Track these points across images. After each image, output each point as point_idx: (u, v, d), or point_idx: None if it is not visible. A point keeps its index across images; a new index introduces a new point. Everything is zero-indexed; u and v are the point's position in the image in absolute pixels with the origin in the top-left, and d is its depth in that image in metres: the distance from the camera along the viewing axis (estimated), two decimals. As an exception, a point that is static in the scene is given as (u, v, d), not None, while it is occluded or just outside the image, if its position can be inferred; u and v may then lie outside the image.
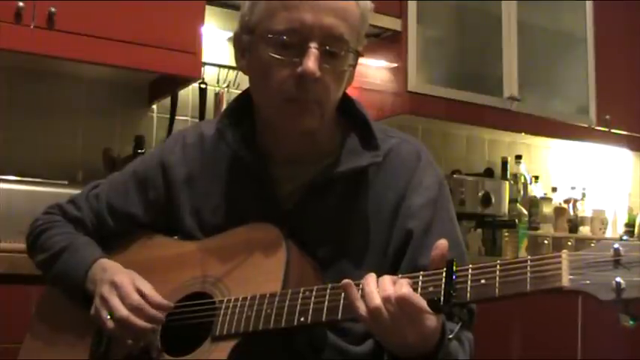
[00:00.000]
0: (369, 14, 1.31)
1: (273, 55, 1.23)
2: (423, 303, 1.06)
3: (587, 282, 0.94)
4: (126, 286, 1.30)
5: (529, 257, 1.01)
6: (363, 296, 1.09)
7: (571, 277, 0.95)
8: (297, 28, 1.22)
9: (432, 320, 1.08)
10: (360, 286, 1.11)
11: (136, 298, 1.29)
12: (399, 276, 1.11)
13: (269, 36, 1.24)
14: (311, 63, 1.21)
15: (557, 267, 0.97)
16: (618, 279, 0.92)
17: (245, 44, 1.31)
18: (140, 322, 1.27)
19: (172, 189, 1.43)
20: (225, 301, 1.26)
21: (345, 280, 1.11)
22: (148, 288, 1.31)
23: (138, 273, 1.35)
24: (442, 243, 1.11)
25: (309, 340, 1.27)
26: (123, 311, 1.28)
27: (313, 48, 1.22)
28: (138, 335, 1.29)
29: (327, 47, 1.24)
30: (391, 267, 1.29)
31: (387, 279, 1.10)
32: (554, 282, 0.97)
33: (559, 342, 2.99)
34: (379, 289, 1.08)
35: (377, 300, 1.07)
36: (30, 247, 1.52)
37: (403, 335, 1.08)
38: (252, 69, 1.32)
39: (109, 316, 1.29)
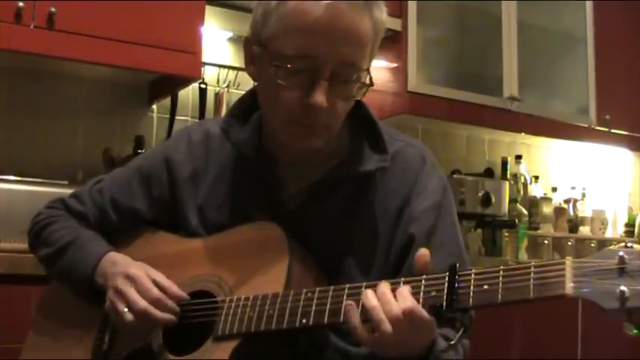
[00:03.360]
0: (383, 25, 1.26)
1: (280, 81, 1.21)
2: (425, 314, 1.06)
3: (591, 290, 0.94)
4: (143, 279, 1.30)
5: (533, 263, 1.01)
6: (366, 316, 1.09)
7: (574, 284, 0.95)
8: (309, 56, 1.19)
9: (432, 328, 1.08)
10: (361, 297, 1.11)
11: (156, 291, 1.29)
12: (402, 280, 1.11)
13: (278, 61, 1.20)
14: (320, 97, 1.19)
15: (561, 274, 0.97)
16: (623, 287, 0.91)
17: (255, 54, 1.28)
18: (160, 314, 1.27)
19: (177, 186, 1.42)
20: (227, 300, 1.25)
21: (347, 303, 1.11)
22: (163, 279, 1.31)
23: None
24: (424, 254, 1.11)
25: (312, 341, 1.27)
26: (142, 303, 1.27)
27: (323, 80, 1.19)
28: (156, 327, 1.29)
29: (339, 76, 1.21)
30: (394, 270, 1.29)
31: (387, 292, 1.09)
32: (557, 289, 0.96)
33: (559, 343, 2.99)
34: (381, 302, 1.08)
35: (386, 324, 1.07)
36: (32, 241, 1.51)
37: (406, 346, 1.08)
38: (260, 81, 1.31)
39: (126, 309, 1.28)
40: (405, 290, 1.08)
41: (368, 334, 1.09)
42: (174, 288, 1.30)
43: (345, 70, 1.22)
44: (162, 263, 1.38)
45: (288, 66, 1.20)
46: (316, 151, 1.30)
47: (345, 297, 1.14)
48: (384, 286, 1.10)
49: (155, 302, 1.28)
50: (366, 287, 1.13)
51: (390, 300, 1.08)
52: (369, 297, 1.09)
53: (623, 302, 0.91)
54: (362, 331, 1.09)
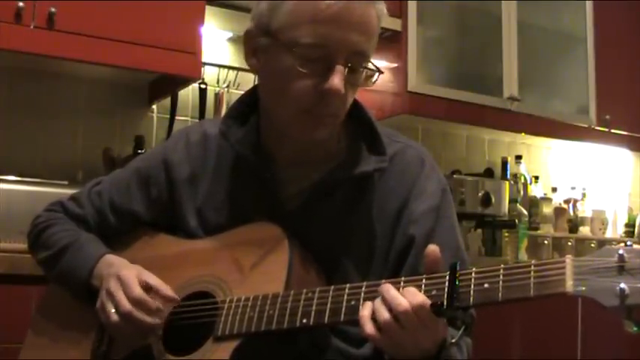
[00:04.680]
0: (382, 19, 1.29)
1: (298, 68, 1.22)
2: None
3: (591, 288, 0.94)
4: (130, 280, 1.30)
5: (533, 262, 1.01)
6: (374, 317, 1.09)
7: (575, 282, 0.95)
8: (325, 44, 1.20)
9: (444, 323, 1.08)
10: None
11: (138, 291, 1.28)
12: (402, 279, 1.11)
13: (294, 48, 1.21)
14: (337, 81, 1.21)
15: (561, 272, 0.97)
16: (622, 285, 0.91)
17: (261, 46, 1.28)
18: (144, 317, 1.27)
19: (175, 187, 1.42)
20: (227, 301, 1.25)
21: (362, 314, 1.11)
22: (155, 280, 1.31)
23: None
24: (433, 250, 1.11)
25: (312, 341, 1.26)
26: (127, 305, 1.27)
27: (339, 66, 1.21)
28: (141, 330, 1.28)
29: (350, 64, 1.23)
30: (392, 272, 1.29)
31: (392, 291, 1.09)
32: (557, 287, 0.97)
33: (559, 342, 2.99)
34: (390, 302, 1.08)
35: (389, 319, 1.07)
36: (32, 244, 1.51)
37: (418, 343, 1.08)
38: (266, 73, 1.31)
39: (113, 310, 1.28)
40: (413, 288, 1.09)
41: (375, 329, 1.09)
42: (163, 289, 1.30)
43: (357, 59, 1.24)
44: (161, 265, 1.38)
45: (303, 52, 1.21)
46: (319, 144, 1.30)
47: (345, 296, 1.14)
48: (390, 288, 1.10)
49: (137, 303, 1.27)
50: (367, 286, 1.13)
51: (399, 299, 1.08)
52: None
53: (623, 300, 0.91)
54: (370, 327, 1.09)
